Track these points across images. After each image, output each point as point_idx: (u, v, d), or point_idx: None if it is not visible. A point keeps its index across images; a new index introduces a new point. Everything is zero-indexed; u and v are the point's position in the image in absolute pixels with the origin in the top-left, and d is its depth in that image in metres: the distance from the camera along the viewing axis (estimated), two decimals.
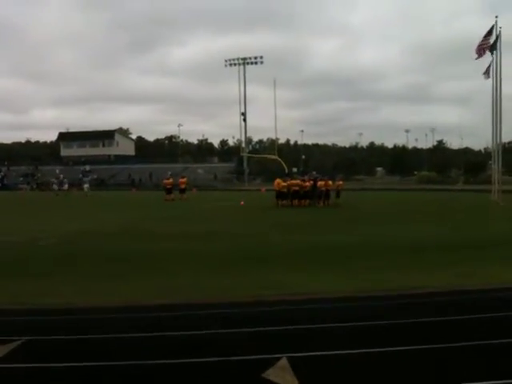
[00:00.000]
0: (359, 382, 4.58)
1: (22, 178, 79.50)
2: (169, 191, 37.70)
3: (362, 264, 10.85)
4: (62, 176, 61.70)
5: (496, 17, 30.69)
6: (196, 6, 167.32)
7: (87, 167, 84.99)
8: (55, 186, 51.95)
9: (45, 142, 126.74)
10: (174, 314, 7.28)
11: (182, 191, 38.04)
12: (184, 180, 39.45)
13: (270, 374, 4.52)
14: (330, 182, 31.24)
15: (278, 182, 29.79)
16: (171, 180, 39.38)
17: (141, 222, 20.99)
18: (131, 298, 8.06)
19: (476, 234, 15.81)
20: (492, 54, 31.02)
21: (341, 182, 33.31)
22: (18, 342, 5.85)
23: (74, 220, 22.41)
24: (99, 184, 74.83)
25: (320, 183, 30.15)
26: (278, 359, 4.97)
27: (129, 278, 9.67)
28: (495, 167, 33.19)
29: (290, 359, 4.98)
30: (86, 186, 51.47)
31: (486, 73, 31.83)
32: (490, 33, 30.82)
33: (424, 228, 17.66)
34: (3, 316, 7.29)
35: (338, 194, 31.53)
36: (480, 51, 30.95)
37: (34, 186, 54.58)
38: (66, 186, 52.11)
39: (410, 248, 13.02)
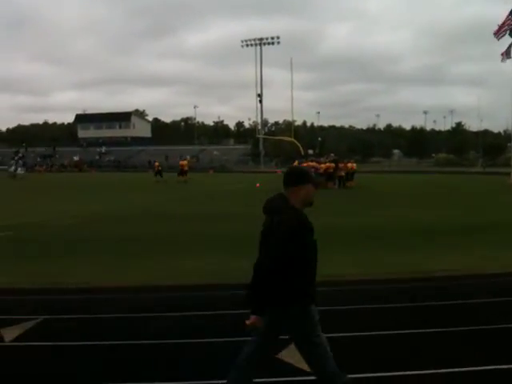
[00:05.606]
0: (369, 362, 4.57)
1: (39, 159, 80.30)
2: (182, 172, 38.59)
3: (376, 246, 10.80)
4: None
5: None
6: None
7: (103, 149, 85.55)
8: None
9: (62, 124, 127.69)
10: (187, 294, 7.31)
11: (184, 173, 38.57)
12: (185, 162, 40.38)
13: (284, 354, 4.52)
14: (355, 165, 32.56)
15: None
16: (186, 162, 40.27)
17: (157, 205, 21.20)
18: (143, 279, 8.08)
19: (489, 218, 15.47)
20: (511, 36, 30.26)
21: (354, 165, 33.33)
22: (35, 321, 5.93)
23: (88, 202, 22.61)
24: (116, 165, 75.34)
25: (343, 165, 30.72)
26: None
27: (141, 258, 9.68)
28: None
29: None
30: (19, 169, 49.44)
31: (506, 54, 31.03)
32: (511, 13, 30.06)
33: (439, 212, 17.45)
34: (20, 295, 7.38)
35: (352, 176, 31.56)
36: (500, 31, 30.17)
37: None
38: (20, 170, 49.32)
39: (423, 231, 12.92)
